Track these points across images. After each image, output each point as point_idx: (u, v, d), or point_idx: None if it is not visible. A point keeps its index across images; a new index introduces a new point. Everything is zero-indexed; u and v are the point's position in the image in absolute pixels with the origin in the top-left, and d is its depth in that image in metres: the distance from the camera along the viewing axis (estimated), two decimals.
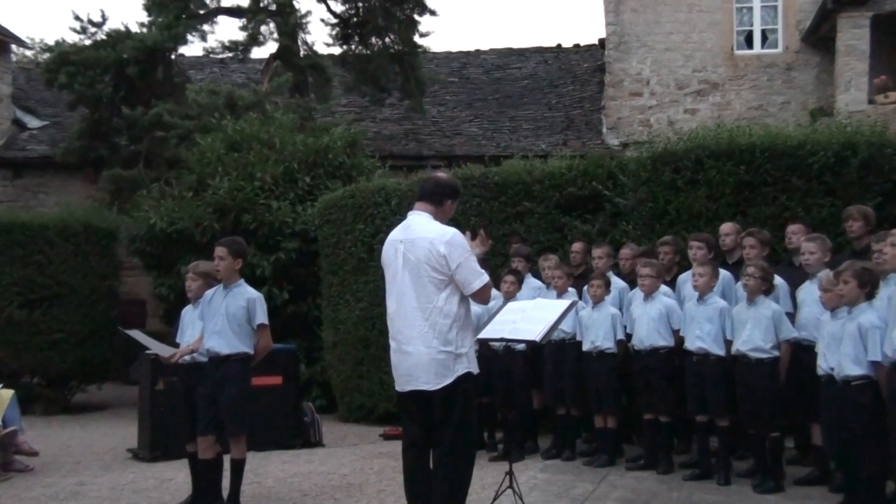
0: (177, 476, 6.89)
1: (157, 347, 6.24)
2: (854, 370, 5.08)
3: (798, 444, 6.68)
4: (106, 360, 12.46)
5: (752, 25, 16.75)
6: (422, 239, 4.33)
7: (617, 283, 7.19)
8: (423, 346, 4.26)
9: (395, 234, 4.52)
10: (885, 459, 5.02)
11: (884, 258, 5.28)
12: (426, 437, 4.36)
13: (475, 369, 4.39)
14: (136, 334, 6.27)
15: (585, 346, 6.95)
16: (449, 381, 4.25)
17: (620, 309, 6.99)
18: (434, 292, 4.28)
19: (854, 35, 14.65)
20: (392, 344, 4.45)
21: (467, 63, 20.21)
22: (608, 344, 6.83)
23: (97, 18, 15.48)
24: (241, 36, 16.10)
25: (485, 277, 4.36)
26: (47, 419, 11.08)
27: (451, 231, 4.36)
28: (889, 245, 5.20)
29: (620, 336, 6.84)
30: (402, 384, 4.39)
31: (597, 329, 6.86)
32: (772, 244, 6.70)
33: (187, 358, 5.99)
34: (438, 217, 4.47)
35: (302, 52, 16.66)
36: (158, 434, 7.87)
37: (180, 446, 6.31)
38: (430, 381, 4.26)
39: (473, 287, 4.30)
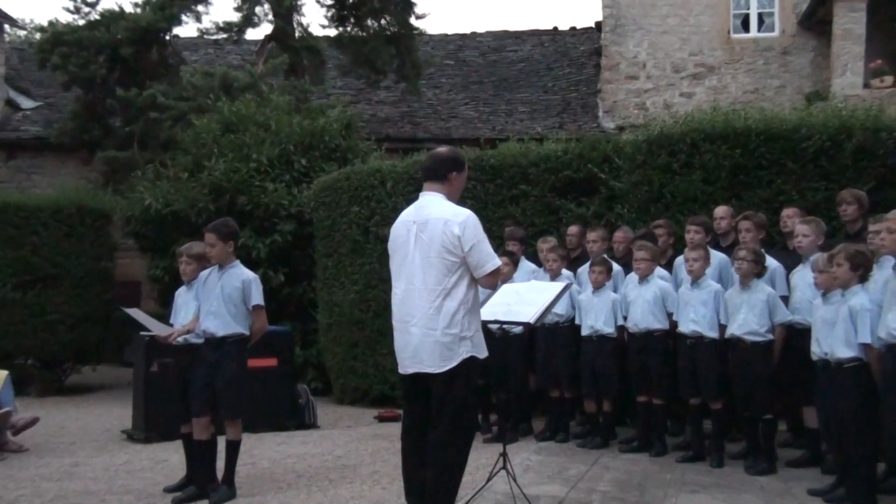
0: (171, 457, 6.90)
1: (155, 327, 6.20)
2: (846, 353, 5.10)
3: (791, 427, 6.71)
4: (100, 342, 12.48)
5: (748, 9, 16.70)
6: (436, 220, 4.27)
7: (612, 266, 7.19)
8: (429, 328, 4.22)
9: (408, 215, 4.44)
10: (876, 441, 5.05)
11: (881, 242, 5.28)
12: (426, 419, 4.33)
13: (481, 354, 4.33)
14: (135, 313, 6.23)
15: (585, 331, 6.94)
16: (453, 364, 4.21)
17: (615, 291, 6.99)
18: (444, 274, 4.23)
19: (850, 19, 14.60)
20: (397, 325, 4.40)
21: (463, 46, 20.13)
22: (608, 329, 6.83)
23: None
24: (235, 17, 16.03)
25: (497, 261, 4.33)
26: (41, 400, 11.08)
27: (466, 212, 4.31)
28: (886, 231, 5.20)
29: (621, 321, 6.84)
30: (406, 366, 4.35)
31: (597, 313, 6.86)
32: (768, 228, 6.72)
33: (181, 339, 5.98)
34: (449, 194, 4.42)
35: (297, 34, 16.58)
36: (153, 415, 7.87)
37: (175, 427, 6.28)
38: (435, 364, 4.22)
39: (486, 269, 4.25)
